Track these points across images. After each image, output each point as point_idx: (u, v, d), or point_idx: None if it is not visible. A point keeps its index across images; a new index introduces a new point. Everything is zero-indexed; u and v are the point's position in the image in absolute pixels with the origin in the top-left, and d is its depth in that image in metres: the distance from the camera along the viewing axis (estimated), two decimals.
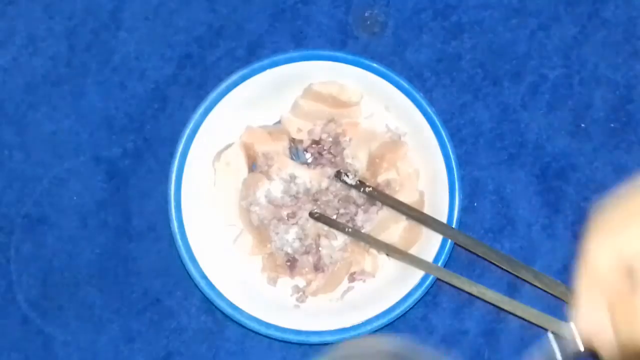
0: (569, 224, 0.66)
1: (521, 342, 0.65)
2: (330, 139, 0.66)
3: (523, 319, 0.64)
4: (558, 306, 0.65)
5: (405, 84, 0.65)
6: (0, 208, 0.67)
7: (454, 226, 0.63)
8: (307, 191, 0.65)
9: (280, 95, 0.66)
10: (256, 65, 0.65)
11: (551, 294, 0.64)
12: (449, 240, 0.63)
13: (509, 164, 0.67)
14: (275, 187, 0.65)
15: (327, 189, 0.65)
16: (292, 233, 0.65)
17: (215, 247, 0.64)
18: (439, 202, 0.64)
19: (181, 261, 0.64)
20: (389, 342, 0.54)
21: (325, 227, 0.65)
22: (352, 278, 0.65)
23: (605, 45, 0.68)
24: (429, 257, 0.63)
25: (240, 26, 0.69)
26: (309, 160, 0.66)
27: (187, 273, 0.64)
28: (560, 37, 0.68)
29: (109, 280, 0.66)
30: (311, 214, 0.65)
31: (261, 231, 0.65)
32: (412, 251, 0.64)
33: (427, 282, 0.63)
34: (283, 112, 0.66)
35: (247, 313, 0.63)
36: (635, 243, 0.44)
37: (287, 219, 0.64)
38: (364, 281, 0.65)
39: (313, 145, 0.66)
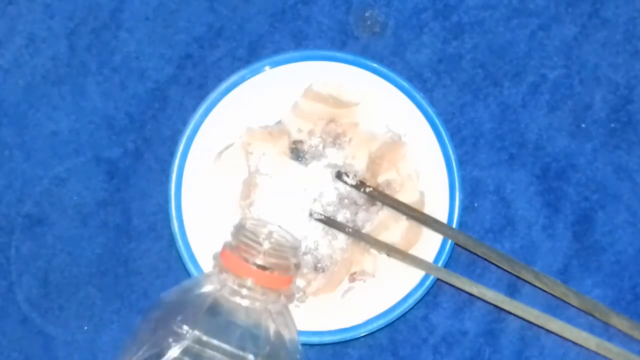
0: (569, 224, 0.66)
1: (521, 342, 0.65)
2: (331, 139, 0.66)
3: (523, 319, 0.64)
4: (558, 306, 0.65)
5: (406, 84, 0.65)
6: (0, 208, 0.67)
7: (454, 226, 0.63)
8: (307, 191, 0.65)
9: (280, 95, 0.66)
10: (256, 65, 0.65)
11: (551, 294, 0.64)
12: (449, 241, 0.63)
13: (509, 164, 0.67)
14: (275, 187, 0.65)
15: (327, 189, 0.65)
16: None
17: (215, 247, 0.64)
18: (439, 202, 0.64)
19: (181, 261, 0.64)
20: None
21: (325, 227, 0.65)
22: (352, 278, 0.65)
23: (605, 45, 0.68)
24: (429, 257, 0.63)
25: (241, 26, 0.69)
26: (309, 161, 0.66)
27: (187, 273, 0.64)
28: (561, 37, 0.68)
29: (109, 280, 0.66)
30: (311, 214, 0.65)
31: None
32: (413, 251, 0.64)
33: (428, 282, 0.63)
34: (283, 112, 0.66)
35: None
36: None
37: (287, 219, 0.64)
38: (364, 281, 0.65)
39: (313, 146, 0.66)
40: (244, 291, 0.53)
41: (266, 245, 0.52)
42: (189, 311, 0.52)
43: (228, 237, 0.61)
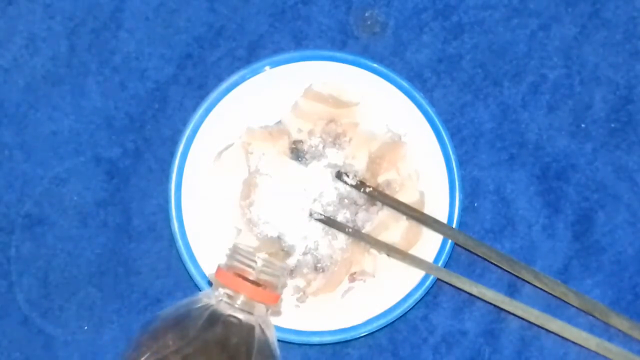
0: (569, 224, 0.66)
1: (521, 342, 0.65)
2: (331, 139, 0.66)
3: (523, 319, 0.64)
4: (558, 306, 0.65)
5: (406, 84, 0.65)
6: (0, 208, 0.67)
7: (454, 226, 0.63)
8: (307, 191, 0.65)
9: (280, 95, 0.66)
10: (256, 65, 0.65)
11: (551, 294, 0.64)
12: (449, 241, 0.63)
13: (509, 164, 0.67)
14: (275, 187, 0.65)
15: (327, 189, 0.65)
16: (293, 233, 0.65)
17: (215, 247, 0.64)
18: (439, 202, 0.64)
19: (181, 261, 0.64)
20: None
21: (326, 227, 0.65)
22: (352, 278, 0.65)
23: (605, 45, 0.68)
24: (429, 257, 0.63)
25: (241, 26, 0.69)
26: (309, 161, 0.66)
27: (187, 273, 0.64)
28: (561, 37, 0.68)
29: (109, 280, 0.66)
30: (311, 214, 0.65)
31: (261, 231, 0.65)
32: (413, 251, 0.64)
33: (428, 282, 0.63)
34: (283, 112, 0.66)
35: None
36: None
37: (287, 219, 0.64)
38: (364, 281, 0.65)
39: (313, 146, 0.66)
40: (238, 303, 0.55)
41: (260, 263, 0.55)
42: (184, 326, 0.54)
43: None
